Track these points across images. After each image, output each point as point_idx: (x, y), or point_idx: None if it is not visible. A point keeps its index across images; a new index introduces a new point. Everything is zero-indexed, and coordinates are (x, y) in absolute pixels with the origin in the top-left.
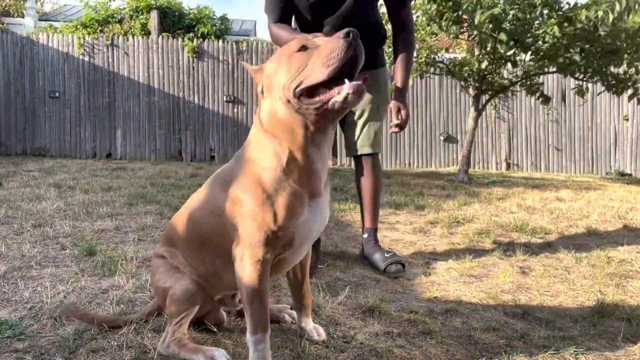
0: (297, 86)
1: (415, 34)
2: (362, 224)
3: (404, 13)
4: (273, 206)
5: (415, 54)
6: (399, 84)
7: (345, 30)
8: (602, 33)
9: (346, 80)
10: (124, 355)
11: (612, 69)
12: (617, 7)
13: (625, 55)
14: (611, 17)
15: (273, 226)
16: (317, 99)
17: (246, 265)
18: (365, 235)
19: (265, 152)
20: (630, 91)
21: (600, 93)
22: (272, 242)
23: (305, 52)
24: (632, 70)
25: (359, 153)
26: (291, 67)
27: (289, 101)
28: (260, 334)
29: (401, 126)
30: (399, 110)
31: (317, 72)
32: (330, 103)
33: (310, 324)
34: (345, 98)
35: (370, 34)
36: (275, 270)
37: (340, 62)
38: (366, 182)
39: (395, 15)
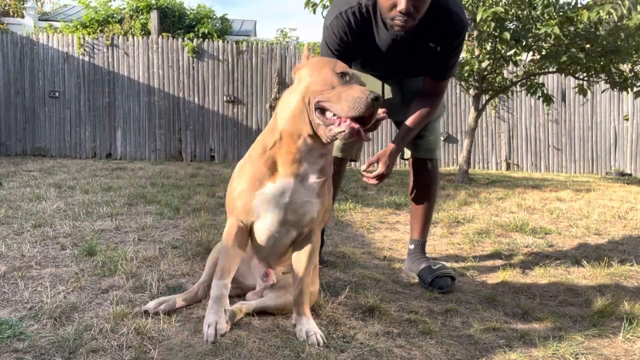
0: (319, 101)
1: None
2: (410, 233)
3: (442, 84)
4: (240, 178)
5: None
6: (399, 137)
7: (375, 94)
8: (603, 33)
9: (348, 120)
10: (124, 355)
11: (615, 66)
12: (622, 9)
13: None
14: (615, 17)
15: (235, 194)
16: (324, 118)
17: (226, 226)
18: (412, 247)
19: (263, 134)
20: (635, 89)
21: (604, 91)
22: (234, 208)
23: (342, 79)
24: (639, 67)
25: (431, 157)
26: (326, 84)
27: (307, 103)
28: (218, 279)
29: (377, 179)
30: (386, 160)
31: (340, 108)
32: (328, 127)
33: (302, 324)
34: (341, 132)
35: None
36: (252, 238)
37: (360, 113)
38: (427, 189)
39: (432, 85)
